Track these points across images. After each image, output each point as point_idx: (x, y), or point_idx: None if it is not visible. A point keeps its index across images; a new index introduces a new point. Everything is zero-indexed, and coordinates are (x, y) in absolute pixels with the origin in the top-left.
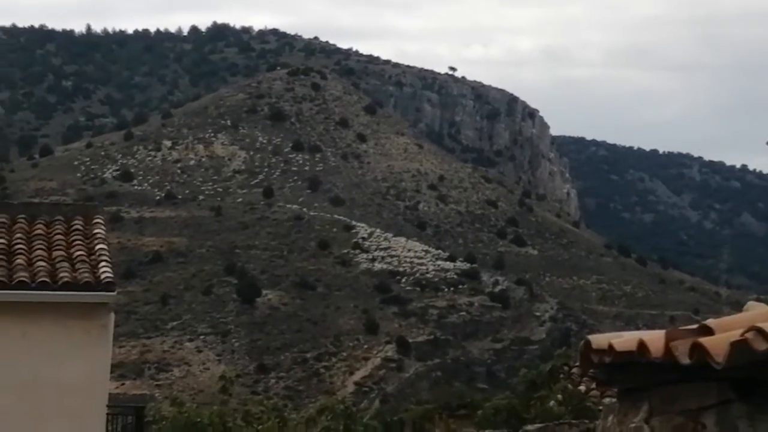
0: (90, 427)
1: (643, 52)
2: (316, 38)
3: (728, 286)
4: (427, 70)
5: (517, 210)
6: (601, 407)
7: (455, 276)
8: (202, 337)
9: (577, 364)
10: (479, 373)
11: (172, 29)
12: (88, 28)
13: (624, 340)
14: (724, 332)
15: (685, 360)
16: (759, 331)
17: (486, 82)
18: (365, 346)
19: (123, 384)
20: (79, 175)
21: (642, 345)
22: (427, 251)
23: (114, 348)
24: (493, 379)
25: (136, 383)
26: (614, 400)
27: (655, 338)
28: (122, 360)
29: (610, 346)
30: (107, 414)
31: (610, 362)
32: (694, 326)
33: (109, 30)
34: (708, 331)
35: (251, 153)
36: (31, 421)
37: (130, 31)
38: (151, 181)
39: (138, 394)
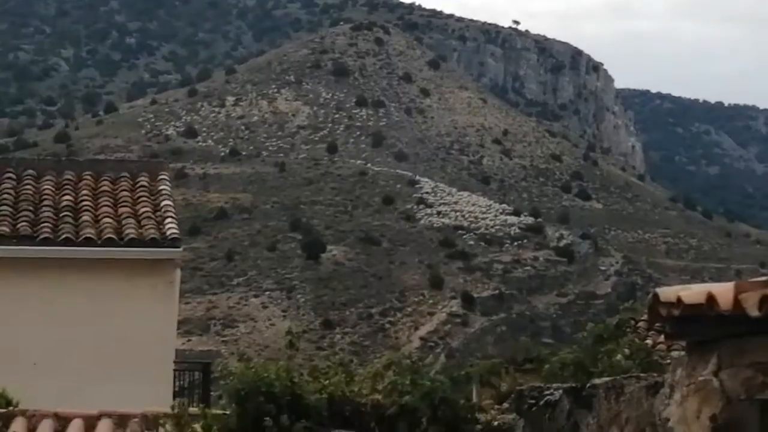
0: (158, 382)
1: (707, 4)
2: None
3: None
4: (490, 24)
5: (582, 164)
6: (668, 361)
7: (520, 230)
8: (267, 293)
9: (644, 317)
10: (544, 328)
11: None
12: None
13: (692, 292)
14: None
15: (755, 312)
16: None
17: (549, 35)
18: (430, 302)
19: (189, 340)
20: (143, 131)
21: (711, 297)
22: (491, 206)
23: (180, 304)
24: (558, 333)
25: (202, 339)
26: (682, 353)
27: (724, 291)
28: (188, 316)
29: (679, 299)
30: (175, 370)
31: (679, 315)
32: (764, 278)
33: None
34: None
35: (315, 108)
36: (100, 378)
37: None
38: (215, 137)
39: (205, 350)
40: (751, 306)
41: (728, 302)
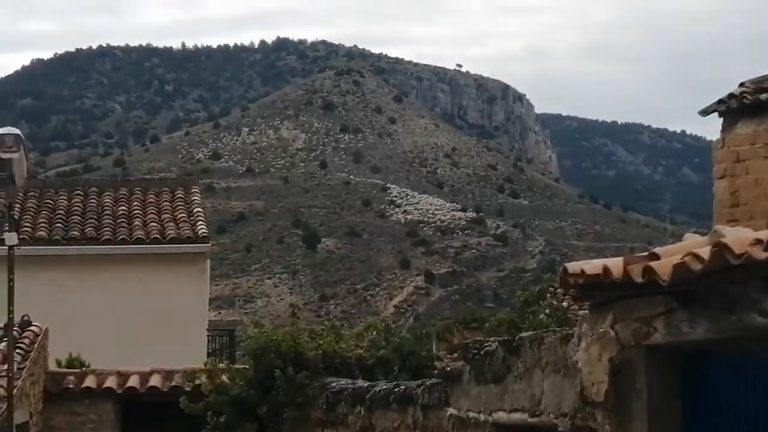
0: (196, 345)
1: (603, 47)
2: (355, 46)
3: (673, 223)
4: (439, 67)
5: (512, 171)
6: (577, 318)
7: (466, 222)
8: (277, 275)
9: (558, 285)
10: (487, 296)
11: (246, 43)
12: (183, 45)
13: (593, 265)
14: (669, 257)
15: (639, 279)
16: (694, 255)
17: (485, 74)
18: (401, 278)
19: (219, 313)
20: (180, 156)
21: (606, 269)
22: (444, 205)
23: (211, 286)
24: (498, 300)
25: (229, 312)
26: (587, 312)
27: (616, 263)
28: (218, 294)
29: (582, 271)
30: (208, 336)
31: (583, 283)
32: (645, 253)
33: (199, 45)
34: (656, 257)
35: (309, 135)
36: (152, 343)
37: (215, 45)
38: (234, 159)
39: (231, 320)
40: (637, 274)
41: (619, 272)
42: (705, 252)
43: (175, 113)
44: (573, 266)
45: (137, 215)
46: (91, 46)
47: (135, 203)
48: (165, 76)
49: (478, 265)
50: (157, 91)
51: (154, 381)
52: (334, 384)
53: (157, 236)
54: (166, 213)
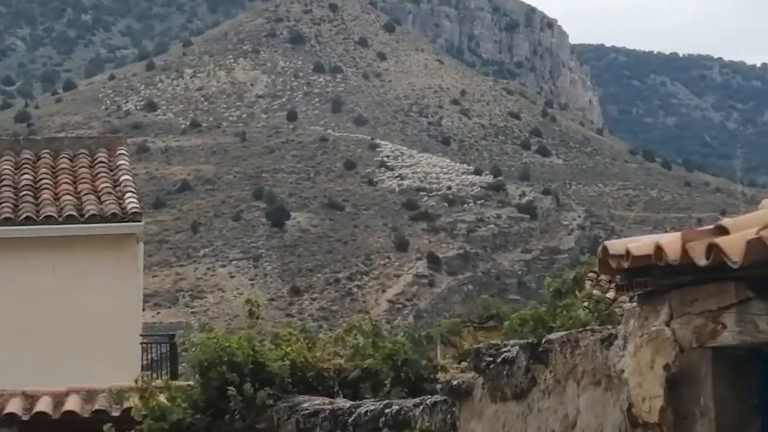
0: (125, 356)
1: None
2: None
3: (752, 185)
4: None
5: (540, 120)
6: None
7: (481, 189)
8: (234, 262)
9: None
10: (510, 285)
11: None
12: None
13: (641, 244)
14: (740, 231)
15: (702, 261)
16: None
17: None
18: (396, 264)
19: (158, 313)
20: (103, 107)
21: (658, 248)
22: (452, 166)
23: (147, 277)
24: (524, 290)
25: (171, 311)
26: (635, 305)
27: (671, 241)
28: (156, 289)
29: (627, 251)
30: (142, 344)
31: (629, 267)
32: (710, 227)
33: None
34: (724, 231)
35: (273, 77)
36: (66, 354)
37: None
38: (175, 110)
39: (174, 322)
40: (699, 255)
41: (676, 252)
42: None
43: (96, 51)
44: (615, 245)
45: (46, 186)
46: None
47: (43, 170)
48: (81, 1)
49: (498, 245)
50: (71, 22)
51: (71, 404)
52: (306, 404)
53: (73, 213)
54: (84, 183)
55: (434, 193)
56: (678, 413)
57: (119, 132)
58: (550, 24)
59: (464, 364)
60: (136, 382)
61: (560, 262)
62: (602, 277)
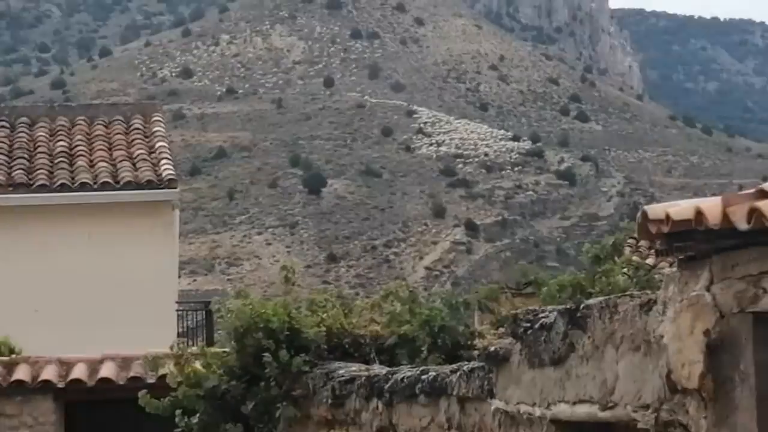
0: (161, 323)
1: None
2: None
3: None
4: None
5: (579, 86)
6: (663, 278)
7: (520, 155)
8: (270, 230)
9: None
10: (549, 252)
11: None
12: None
13: (681, 208)
14: None
15: (743, 225)
16: None
17: None
18: (433, 231)
19: (195, 280)
20: (139, 74)
21: (699, 212)
22: (490, 132)
23: (183, 245)
24: (563, 257)
25: (207, 279)
26: (675, 270)
27: (711, 205)
28: (192, 257)
29: (667, 216)
30: (179, 310)
31: (668, 232)
32: (752, 190)
33: None
34: (765, 195)
35: (309, 43)
36: (102, 321)
37: None
38: (211, 76)
39: (209, 290)
40: (740, 219)
41: (717, 216)
42: None
43: (132, 17)
44: (655, 210)
45: (81, 153)
46: None
47: (78, 137)
48: None
49: (537, 212)
50: None
51: (107, 371)
52: (342, 371)
53: (108, 180)
54: (120, 149)
55: (472, 159)
56: (717, 379)
57: (155, 99)
58: None
59: (501, 330)
60: (171, 349)
61: (599, 229)
62: (641, 243)
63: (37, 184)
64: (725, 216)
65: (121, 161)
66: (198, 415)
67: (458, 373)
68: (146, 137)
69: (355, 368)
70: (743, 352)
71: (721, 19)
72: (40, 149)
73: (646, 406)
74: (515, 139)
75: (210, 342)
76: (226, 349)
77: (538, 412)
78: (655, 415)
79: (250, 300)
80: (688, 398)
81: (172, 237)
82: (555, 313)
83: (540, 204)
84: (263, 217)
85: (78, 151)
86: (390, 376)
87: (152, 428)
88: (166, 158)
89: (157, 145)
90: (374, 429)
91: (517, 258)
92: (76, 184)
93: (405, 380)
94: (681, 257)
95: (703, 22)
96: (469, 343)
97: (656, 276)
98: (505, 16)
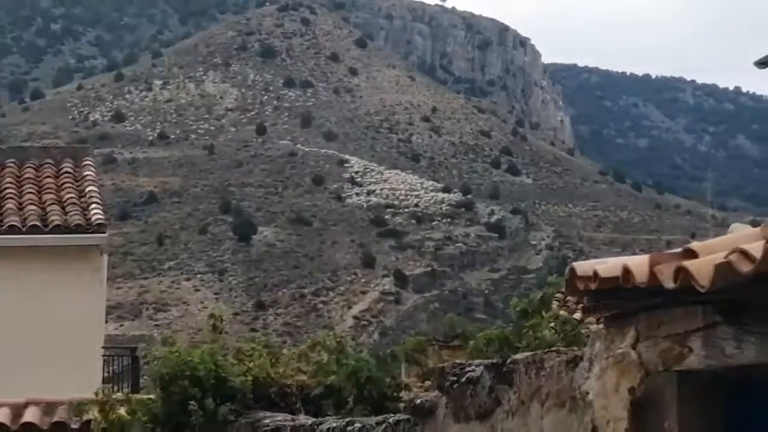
0: (87, 368)
1: None
2: None
3: (722, 209)
4: (416, 2)
5: (511, 139)
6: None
7: (450, 207)
8: (199, 276)
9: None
10: (477, 304)
11: None
12: None
13: (609, 266)
14: (709, 255)
15: (670, 284)
16: (743, 252)
17: (476, 11)
18: (363, 280)
19: (122, 325)
20: (71, 117)
21: (626, 270)
22: (421, 183)
23: (111, 289)
24: (491, 309)
25: (134, 324)
26: (601, 327)
27: (639, 263)
28: (120, 301)
29: (595, 273)
30: (104, 356)
31: (596, 289)
32: (678, 250)
33: None
34: (692, 255)
35: (243, 90)
36: (27, 366)
37: None
38: (143, 121)
39: (137, 335)
40: (666, 278)
41: (644, 275)
42: (756, 248)
43: (65, 60)
44: (583, 266)
45: (10, 196)
46: None
47: (7, 180)
48: (51, 10)
49: (466, 264)
50: (40, 31)
51: (30, 416)
52: (267, 421)
53: (37, 223)
54: (49, 193)
55: (402, 210)
56: None
57: (86, 142)
58: (522, 42)
59: (428, 382)
60: (96, 394)
61: (527, 282)
62: (569, 298)
63: None
64: (652, 274)
65: (50, 205)
66: None
67: (384, 425)
68: (76, 181)
69: (280, 418)
70: (668, 410)
71: (653, 77)
72: None
73: None
74: (446, 190)
75: (135, 388)
76: (152, 396)
77: None
78: None
79: (176, 347)
80: None
81: (99, 282)
82: (482, 367)
83: (469, 256)
84: (192, 262)
85: (7, 193)
86: (316, 426)
87: None
88: (96, 203)
89: (87, 189)
90: None
91: (445, 309)
92: (4, 227)
93: (331, 431)
94: (608, 314)
95: (635, 79)
96: (395, 395)
97: (583, 332)
98: (439, 68)
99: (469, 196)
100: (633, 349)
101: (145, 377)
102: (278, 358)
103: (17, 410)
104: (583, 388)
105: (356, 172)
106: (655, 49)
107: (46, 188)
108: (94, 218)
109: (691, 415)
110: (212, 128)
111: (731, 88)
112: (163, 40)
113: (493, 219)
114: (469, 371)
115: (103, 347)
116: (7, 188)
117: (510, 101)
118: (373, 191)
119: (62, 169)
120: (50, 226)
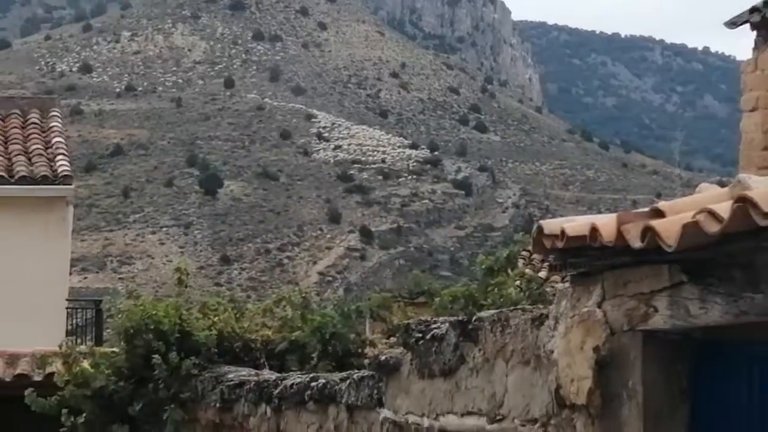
0: (50, 320)
1: None
2: None
3: (689, 169)
4: None
5: (479, 96)
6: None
7: (417, 163)
8: (164, 229)
9: (529, 249)
10: (443, 261)
11: None
12: None
13: (576, 224)
14: (676, 215)
15: (637, 243)
16: (710, 212)
17: None
18: (328, 236)
19: (85, 278)
20: (37, 68)
21: (594, 229)
22: (388, 139)
23: (75, 242)
24: (456, 266)
25: (98, 277)
26: (567, 285)
27: (606, 222)
28: (84, 254)
29: (563, 231)
30: (68, 308)
31: (563, 247)
32: (646, 209)
33: None
34: (659, 214)
35: (211, 43)
36: None
37: None
38: (110, 73)
39: (101, 287)
40: (633, 237)
41: (611, 234)
42: (724, 209)
43: (32, 10)
44: (550, 225)
45: None
46: None
47: None
48: None
49: (432, 221)
50: None
51: None
52: (231, 375)
53: (2, 174)
54: (15, 143)
55: (369, 166)
56: (606, 396)
57: (53, 93)
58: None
59: (393, 339)
60: (60, 347)
61: (494, 240)
62: (535, 256)
63: None
64: (620, 234)
65: (16, 155)
66: (84, 414)
67: (348, 381)
68: (43, 132)
69: (244, 373)
70: (632, 369)
71: (622, 36)
72: None
73: (534, 420)
74: (413, 147)
75: (99, 341)
76: (116, 350)
77: (426, 422)
78: (543, 429)
79: (141, 301)
80: (576, 414)
81: (65, 233)
82: (447, 324)
83: (435, 213)
84: (158, 216)
85: None
86: (279, 381)
87: (38, 427)
88: (63, 154)
89: (54, 140)
90: None
91: (410, 266)
92: None
93: (294, 386)
94: (574, 273)
95: (604, 38)
96: (359, 351)
97: (548, 290)
98: (408, 24)
99: (436, 153)
100: (598, 308)
101: (109, 330)
102: (243, 313)
103: None
104: (548, 346)
105: (324, 128)
106: (624, 8)
107: (12, 139)
108: (60, 170)
109: (655, 375)
110: (180, 81)
111: (700, 48)
112: None
113: (460, 176)
114: (434, 328)
115: (66, 299)
116: None
117: (479, 58)
118: (341, 147)
119: (29, 119)
120: (16, 177)
